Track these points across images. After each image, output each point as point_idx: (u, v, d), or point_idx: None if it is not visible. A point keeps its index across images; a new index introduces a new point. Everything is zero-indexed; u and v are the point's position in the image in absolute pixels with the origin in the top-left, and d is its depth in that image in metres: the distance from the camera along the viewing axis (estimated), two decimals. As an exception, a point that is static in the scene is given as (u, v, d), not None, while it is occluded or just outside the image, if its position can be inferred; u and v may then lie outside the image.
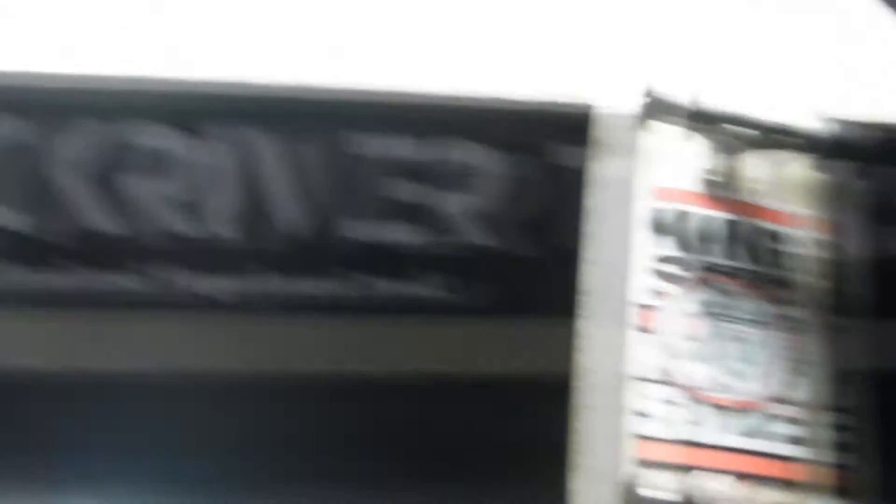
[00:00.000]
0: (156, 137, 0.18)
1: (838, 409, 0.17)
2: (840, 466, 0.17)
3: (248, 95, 0.19)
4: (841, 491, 0.18)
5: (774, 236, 0.20)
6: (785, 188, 0.21)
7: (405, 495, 0.20)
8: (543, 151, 0.20)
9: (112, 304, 0.20)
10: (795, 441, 0.18)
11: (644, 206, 0.20)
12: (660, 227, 0.19)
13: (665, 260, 0.19)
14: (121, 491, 0.20)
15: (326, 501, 0.20)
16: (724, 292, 0.19)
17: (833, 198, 0.21)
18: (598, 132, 0.21)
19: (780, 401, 0.18)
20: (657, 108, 0.21)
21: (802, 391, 0.18)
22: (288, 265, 0.20)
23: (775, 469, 0.17)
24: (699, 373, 0.19)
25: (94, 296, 0.19)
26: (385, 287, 0.21)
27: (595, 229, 0.21)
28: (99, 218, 0.19)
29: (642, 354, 0.19)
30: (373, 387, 0.21)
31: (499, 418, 0.21)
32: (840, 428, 0.18)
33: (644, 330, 0.19)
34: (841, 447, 0.18)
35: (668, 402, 0.19)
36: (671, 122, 0.21)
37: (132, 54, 0.20)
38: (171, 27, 0.22)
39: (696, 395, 0.18)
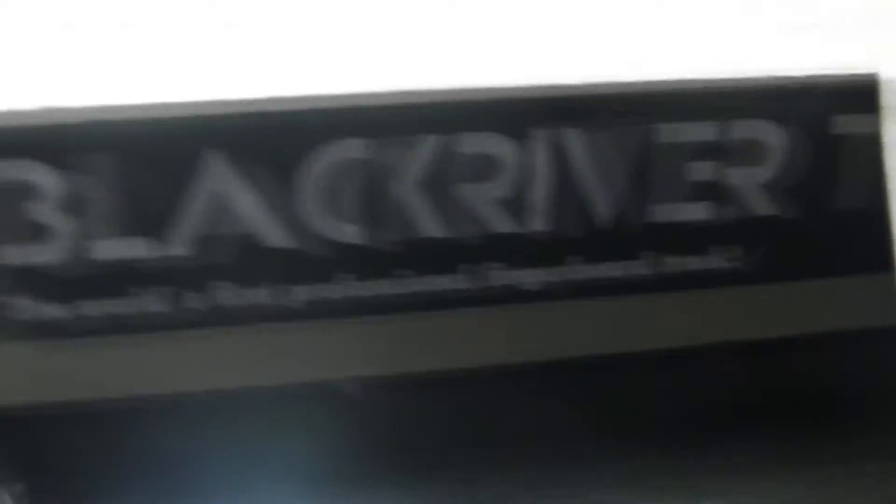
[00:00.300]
0: (482, 144, 0.19)
1: None
2: None
3: (560, 96, 0.20)
4: None
5: None
6: None
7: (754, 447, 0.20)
8: (824, 122, 0.20)
9: (438, 305, 0.21)
10: None
11: None
12: None
13: None
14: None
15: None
16: None
17: None
18: (886, 99, 0.22)
19: None
20: None
21: None
22: (590, 251, 0.21)
23: None
24: None
25: (424, 297, 0.20)
26: (674, 263, 0.22)
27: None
28: (429, 224, 0.20)
29: None
30: (675, 357, 0.22)
31: (818, 373, 0.21)
32: None
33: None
34: None
35: None
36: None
37: (459, 67, 0.22)
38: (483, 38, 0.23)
39: None
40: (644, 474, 0.21)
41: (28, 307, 0.21)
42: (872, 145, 0.22)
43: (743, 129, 0.22)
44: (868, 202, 0.22)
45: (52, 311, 0.21)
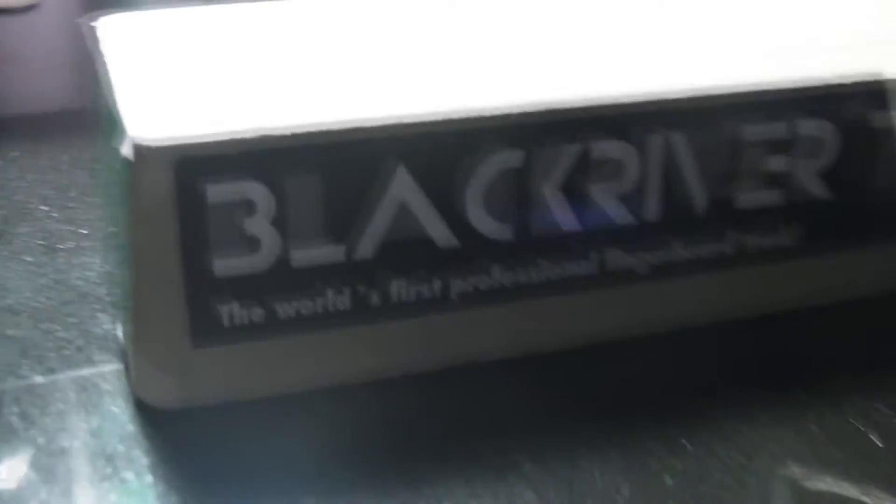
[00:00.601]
0: (607, 149, 0.21)
1: None
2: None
3: (667, 105, 0.22)
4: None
5: None
6: None
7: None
8: (865, 118, 0.24)
9: (569, 289, 0.24)
10: None
11: None
12: None
13: None
14: None
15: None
16: None
17: None
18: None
19: None
20: None
21: None
22: (691, 235, 0.24)
23: None
24: None
25: (559, 282, 0.23)
26: (753, 242, 0.26)
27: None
28: (566, 220, 0.23)
29: None
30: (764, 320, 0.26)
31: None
32: None
33: None
34: None
35: None
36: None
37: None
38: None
39: None
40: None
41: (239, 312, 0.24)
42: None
43: (803, 127, 0.27)
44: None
45: (256, 314, 0.24)
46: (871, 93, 0.27)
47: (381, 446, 0.23)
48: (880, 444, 0.24)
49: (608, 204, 0.26)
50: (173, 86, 0.24)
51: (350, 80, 0.25)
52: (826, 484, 0.23)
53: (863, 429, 0.25)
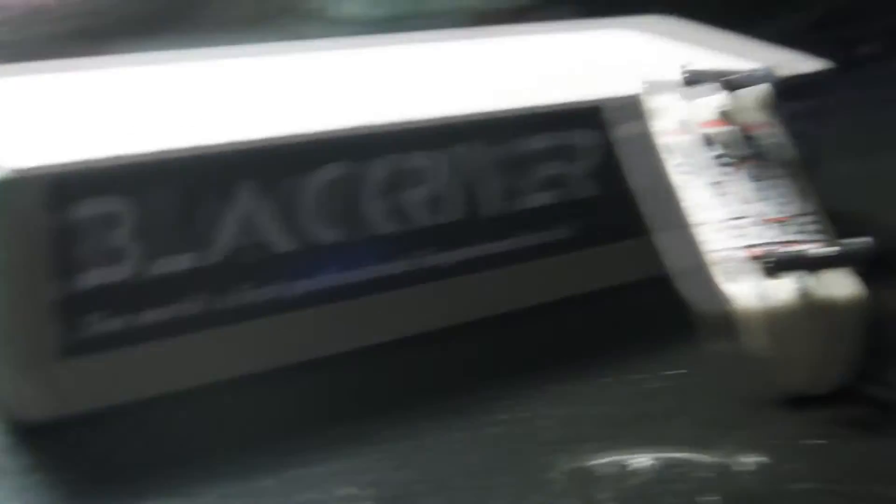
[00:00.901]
0: (413, 161, 0.25)
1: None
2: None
3: (458, 122, 0.26)
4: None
5: (757, 135, 0.32)
6: (755, 107, 0.33)
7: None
8: (600, 129, 0.29)
9: (391, 286, 0.27)
10: (819, 232, 0.29)
11: (694, 135, 0.31)
12: (707, 142, 0.31)
13: (718, 157, 0.31)
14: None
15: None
16: (751, 167, 0.31)
17: (775, 109, 0.33)
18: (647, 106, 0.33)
19: (804, 214, 0.30)
20: (656, 88, 0.32)
21: (808, 206, 0.30)
22: (483, 235, 0.28)
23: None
24: (753, 209, 0.30)
25: (383, 281, 0.26)
26: (535, 238, 0.30)
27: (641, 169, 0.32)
28: (383, 223, 0.26)
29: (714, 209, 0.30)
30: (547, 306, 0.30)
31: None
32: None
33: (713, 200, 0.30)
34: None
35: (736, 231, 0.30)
36: (684, 86, 0.33)
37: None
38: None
39: (759, 219, 0.29)
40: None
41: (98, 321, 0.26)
42: (646, 140, 0.33)
43: (567, 137, 0.32)
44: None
45: (120, 323, 0.27)
46: (622, 108, 0.33)
47: (248, 431, 0.27)
48: (649, 407, 0.29)
49: (417, 209, 0.30)
50: (40, 124, 0.27)
51: (198, 111, 0.28)
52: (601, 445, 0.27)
53: (637, 393, 0.29)
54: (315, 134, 0.28)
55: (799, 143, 0.35)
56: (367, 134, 0.28)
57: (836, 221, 0.31)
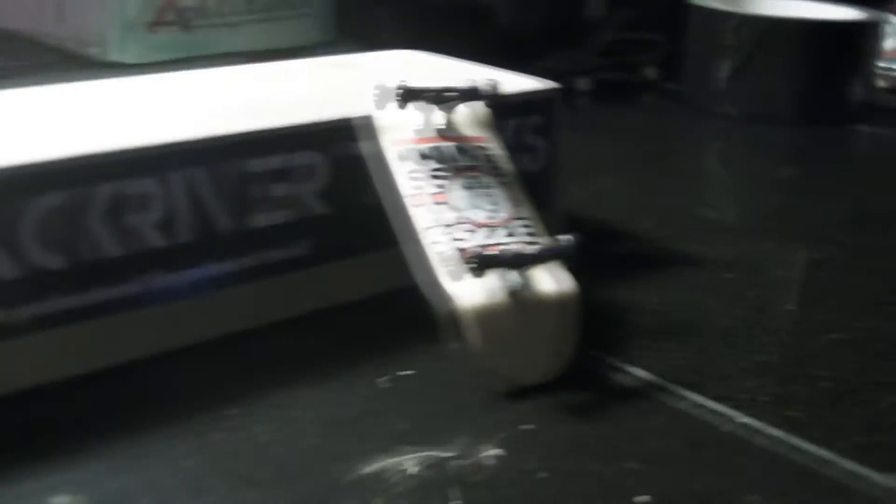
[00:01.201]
0: (139, 186, 0.26)
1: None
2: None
3: (188, 145, 0.28)
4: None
5: (472, 148, 0.35)
6: (471, 123, 0.36)
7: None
8: (353, 147, 0.31)
9: (116, 309, 0.28)
10: (530, 234, 0.32)
11: (407, 151, 0.33)
12: (423, 156, 0.33)
13: (433, 171, 0.33)
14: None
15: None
16: (466, 178, 0.33)
17: (492, 125, 0.36)
18: (363, 128, 0.35)
19: (516, 218, 0.32)
20: (385, 99, 0.35)
21: (524, 212, 0.32)
22: (218, 253, 0.29)
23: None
24: (467, 216, 0.32)
25: (110, 303, 0.27)
26: (265, 256, 0.32)
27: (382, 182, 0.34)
28: (109, 245, 0.27)
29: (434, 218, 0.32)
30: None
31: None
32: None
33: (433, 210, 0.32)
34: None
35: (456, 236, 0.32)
36: (399, 105, 0.35)
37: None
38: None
39: (472, 224, 0.32)
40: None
41: None
42: (378, 156, 0.36)
43: (298, 158, 0.34)
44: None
45: None
46: (348, 129, 0.35)
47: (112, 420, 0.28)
48: (372, 407, 0.31)
49: (145, 231, 0.31)
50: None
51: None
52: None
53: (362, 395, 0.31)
54: (34, 163, 0.29)
55: (528, 156, 0.38)
56: (89, 161, 0.30)
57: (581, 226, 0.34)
